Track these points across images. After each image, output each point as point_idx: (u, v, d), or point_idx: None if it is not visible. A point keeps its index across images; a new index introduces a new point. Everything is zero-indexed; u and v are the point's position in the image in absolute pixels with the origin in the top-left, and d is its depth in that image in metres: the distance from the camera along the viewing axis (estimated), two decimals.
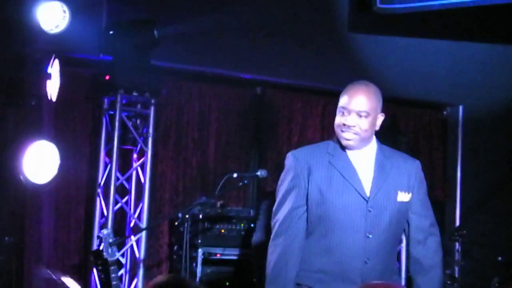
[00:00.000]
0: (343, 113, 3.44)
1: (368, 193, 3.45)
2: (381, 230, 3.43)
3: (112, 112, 5.96)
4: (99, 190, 5.97)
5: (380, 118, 3.50)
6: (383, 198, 3.46)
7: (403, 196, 3.51)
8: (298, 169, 3.48)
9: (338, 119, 3.46)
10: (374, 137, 3.55)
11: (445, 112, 7.75)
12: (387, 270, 3.50)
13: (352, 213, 3.41)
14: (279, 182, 3.57)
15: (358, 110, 3.41)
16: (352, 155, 3.50)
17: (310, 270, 3.45)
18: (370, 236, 3.40)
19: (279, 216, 3.49)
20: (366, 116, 3.42)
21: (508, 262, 6.57)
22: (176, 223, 5.95)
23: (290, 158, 3.54)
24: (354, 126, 3.41)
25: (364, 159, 3.51)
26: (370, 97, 3.46)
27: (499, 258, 6.61)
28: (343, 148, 3.50)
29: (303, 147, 3.64)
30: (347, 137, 3.44)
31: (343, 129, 3.44)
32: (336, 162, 3.47)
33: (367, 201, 3.43)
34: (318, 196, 3.43)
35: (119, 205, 6.02)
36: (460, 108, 7.66)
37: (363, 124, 3.42)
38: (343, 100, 3.46)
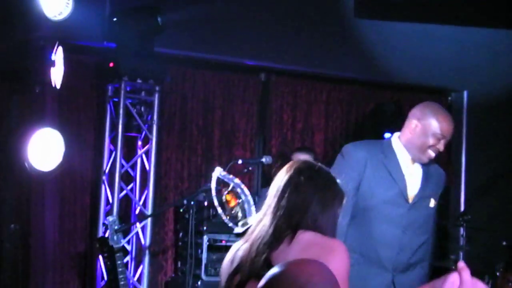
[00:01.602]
0: (439, 139, 3.76)
1: (411, 196, 3.82)
2: (415, 229, 3.80)
3: (116, 99, 5.95)
4: (104, 178, 5.97)
5: None
6: (422, 204, 3.85)
7: (433, 203, 3.92)
8: (355, 163, 3.78)
9: (431, 142, 3.76)
10: None
11: (449, 98, 7.73)
12: (413, 259, 3.85)
13: (394, 211, 3.77)
14: (334, 166, 3.76)
15: (449, 139, 3.84)
16: (402, 160, 3.86)
17: (350, 250, 3.45)
18: (406, 232, 3.77)
19: None
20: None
21: None
22: (181, 210, 5.96)
23: (350, 150, 3.85)
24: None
25: (413, 166, 3.88)
26: None
27: (504, 243, 6.62)
28: (395, 152, 3.86)
29: (361, 142, 4.01)
30: (432, 157, 3.83)
31: (434, 151, 3.79)
32: (388, 163, 3.81)
33: (408, 203, 3.80)
34: (367, 190, 3.75)
35: (124, 192, 6.03)
36: (465, 93, 7.65)
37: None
38: (445, 129, 3.77)
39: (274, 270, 1.80)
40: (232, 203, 2.85)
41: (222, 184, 2.84)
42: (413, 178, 3.87)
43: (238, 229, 2.91)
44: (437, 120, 3.75)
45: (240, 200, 2.89)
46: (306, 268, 1.79)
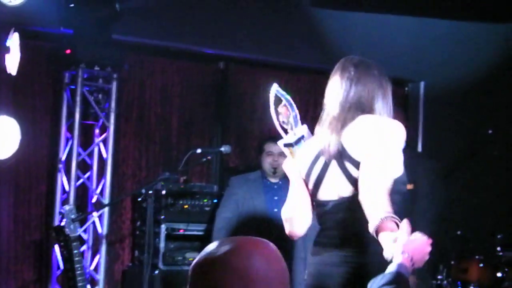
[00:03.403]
0: None
1: None
2: None
3: (73, 87, 5.87)
4: (60, 166, 5.90)
5: None
6: None
7: None
8: None
9: None
10: None
11: (406, 88, 7.80)
12: None
13: None
14: None
15: None
16: None
17: None
18: None
19: None
20: None
21: (467, 236, 6.69)
22: (139, 199, 5.91)
23: None
24: None
25: None
26: None
27: (458, 232, 6.72)
28: None
29: None
30: None
31: None
32: None
33: None
34: None
35: (81, 180, 5.96)
36: (422, 84, 7.72)
37: None
38: None
39: (211, 248, 1.77)
40: (284, 115, 3.22)
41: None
42: None
43: (287, 138, 3.21)
44: None
45: (291, 113, 3.21)
46: (250, 244, 1.78)
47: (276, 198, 5.50)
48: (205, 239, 5.89)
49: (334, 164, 2.93)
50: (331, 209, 2.96)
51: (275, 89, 3.29)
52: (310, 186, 3.03)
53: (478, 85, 7.15)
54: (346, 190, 2.90)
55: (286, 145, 3.21)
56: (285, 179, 5.57)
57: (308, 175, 3.03)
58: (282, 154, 5.55)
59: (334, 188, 2.94)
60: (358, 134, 2.89)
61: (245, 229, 5.38)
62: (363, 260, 2.84)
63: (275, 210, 5.42)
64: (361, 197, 2.77)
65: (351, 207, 2.86)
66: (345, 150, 2.90)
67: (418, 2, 7.00)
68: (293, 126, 3.21)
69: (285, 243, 5.12)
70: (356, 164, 2.85)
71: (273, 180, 5.60)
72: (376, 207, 2.70)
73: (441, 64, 7.32)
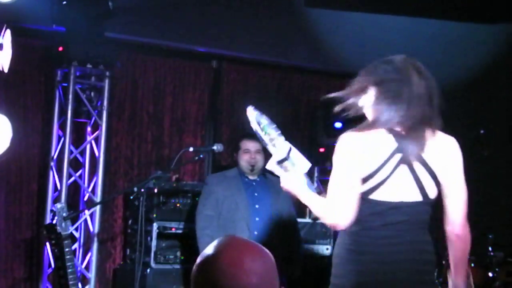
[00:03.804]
0: None
1: None
2: None
3: (65, 84, 5.86)
4: (52, 164, 5.89)
5: None
6: None
7: None
8: None
9: None
10: None
11: None
12: None
13: None
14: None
15: None
16: None
17: None
18: None
19: None
20: None
21: None
22: (131, 197, 5.91)
23: None
24: None
25: None
26: None
27: None
28: None
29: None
30: None
31: None
32: None
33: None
34: None
35: (72, 178, 5.95)
36: None
37: None
38: None
39: (206, 250, 1.78)
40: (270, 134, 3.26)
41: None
42: None
43: (278, 155, 3.19)
44: None
45: (274, 129, 3.24)
46: (240, 247, 1.78)
47: (256, 194, 5.47)
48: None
49: (404, 169, 2.99)
50: (386, 211, 3.00)
51: (253, 111, 3.30)
52: (369, 184, 2.97)
53: (470, 85, 7.17)
54: (410, 197, 3.02)
55: (280, 162, 3.18)
56: (262, 176, 5.57)
57: (374, 174, 2.96)
58: (258, 152, 5.54)
59: (396, 192, 3.00)
60: (447, 157, 3.12)
61: (229, 226, 5.36)
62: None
63: (256, 206, 5.40)
64: (451, 227, 3.27)
65: (409, 212, 3.02)
66: (427, 163, 3.02)
67: (411, 2, 7.01)
68: (277, 142, 3.22)
69: (270, 240, 5.13)
70: (434, 177, 3.03)
71: (252, 177, 5.54)
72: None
73: (434, 64, 7.30)
